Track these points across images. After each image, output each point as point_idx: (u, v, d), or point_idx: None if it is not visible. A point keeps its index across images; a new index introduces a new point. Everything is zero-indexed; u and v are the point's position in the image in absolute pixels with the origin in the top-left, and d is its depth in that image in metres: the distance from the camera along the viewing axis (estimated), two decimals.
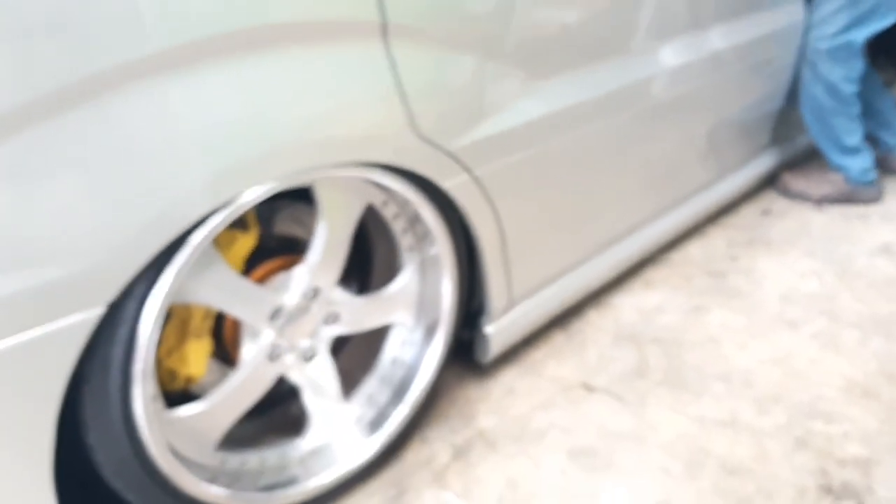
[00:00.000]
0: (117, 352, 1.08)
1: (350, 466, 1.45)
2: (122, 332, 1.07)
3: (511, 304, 1.69)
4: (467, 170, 1.40)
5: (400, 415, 1.52)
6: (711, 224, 2.51)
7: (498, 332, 1.69)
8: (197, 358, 1.31)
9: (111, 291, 1.00)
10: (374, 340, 1.57)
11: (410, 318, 1.54)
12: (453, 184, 1.39)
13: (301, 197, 1.38)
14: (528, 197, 1.62)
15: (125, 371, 1.09)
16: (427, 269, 1.51)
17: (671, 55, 1.94)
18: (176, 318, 1.29)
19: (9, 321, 0.92)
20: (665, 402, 1.73)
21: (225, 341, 1.35)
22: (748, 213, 2.61)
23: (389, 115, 1.26)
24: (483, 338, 1.68)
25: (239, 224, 1.32)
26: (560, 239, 1.81)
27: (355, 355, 1.57)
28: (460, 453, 1.59)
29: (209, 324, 1.32)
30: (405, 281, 1.50)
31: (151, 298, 1.08)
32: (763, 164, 2.62)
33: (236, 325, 1.33)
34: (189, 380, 1.34)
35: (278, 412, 1.55)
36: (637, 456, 1.59)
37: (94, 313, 0.99)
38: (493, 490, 1.50)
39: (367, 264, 1.56)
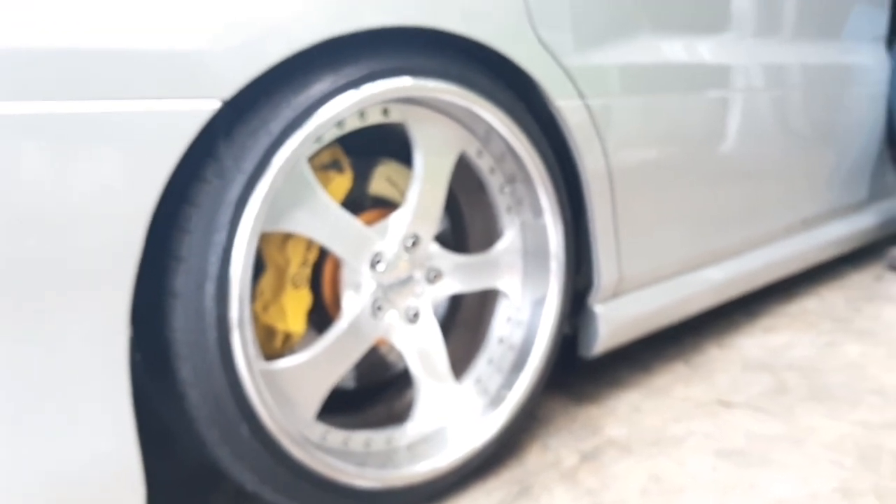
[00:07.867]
0: (213, 264, 1.00)
1: (463, 454, 1.26)
2: (217, 239, 1.00)
3: (621, 287, 1.52)
4: (581, 95, 1.31)
5: (514, 398, 1.34)
6: (823, 286, 2.34)
7: (607, 315, 1.49)
8: (295, 310, 1.20)
9: (229, 87, 0.94)
10: (479, 326, 1.44)
11: (516, 286, 1.40)
12: (564, 104, 1.29)
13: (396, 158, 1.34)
14: (644, 150, 1.50)
15: (222, 278, 1.00)
16: (528, 232, 1.39)
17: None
18: (272, 268, 1.20)
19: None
20: (817, 411, 1.51)
21: (324, 298, 1.24)
22: (860, 278, 2.44)
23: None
24: (591, 319, 1.48)
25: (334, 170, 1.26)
26: (673, 224, 1.65)
27: (462, 341, 1.43)
28: (590, 457, 1.38)
29: (307, 273, 1.22)
30: (507, 243, 1.38)
31: (244, 217, 1.01)
32: (865, 220, 2.47)
33: (335, 277, 1.23)
34: (287, 339, 1.21)
35: (385, 402, 1.39)
36: (798, 453, 1.36)
37: (209, 105, 0.93)
38: (633, 484, 1.28)
39: (463, 237, 1.46)
